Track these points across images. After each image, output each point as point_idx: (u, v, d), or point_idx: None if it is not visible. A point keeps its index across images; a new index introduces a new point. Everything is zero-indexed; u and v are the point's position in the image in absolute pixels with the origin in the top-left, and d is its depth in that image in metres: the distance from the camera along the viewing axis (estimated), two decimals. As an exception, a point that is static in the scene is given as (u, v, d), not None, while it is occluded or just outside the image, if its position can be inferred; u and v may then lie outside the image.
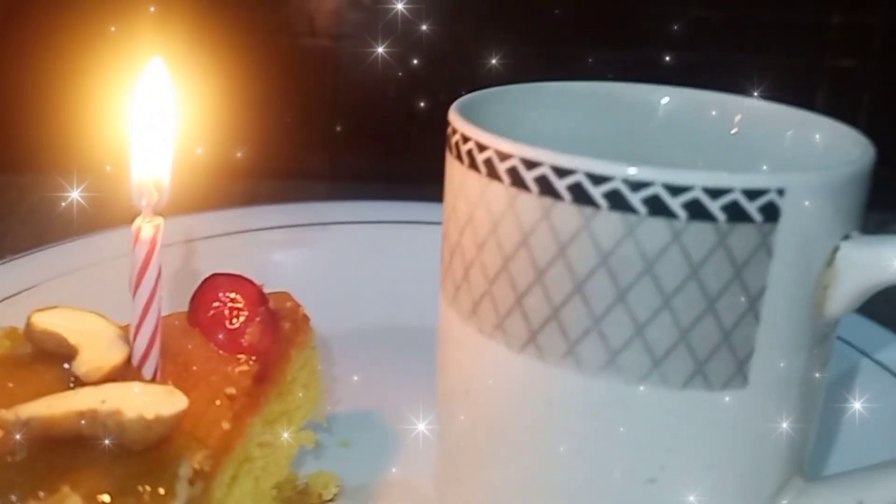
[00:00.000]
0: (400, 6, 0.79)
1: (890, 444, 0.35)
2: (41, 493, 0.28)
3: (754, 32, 0.89)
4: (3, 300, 0.46)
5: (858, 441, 0.42)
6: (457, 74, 0.79)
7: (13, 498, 0.28)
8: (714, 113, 0.42)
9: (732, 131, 0.42)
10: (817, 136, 0.38)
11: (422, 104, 0.79)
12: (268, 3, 0.82)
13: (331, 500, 0.40)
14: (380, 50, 0.78)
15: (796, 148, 0.39)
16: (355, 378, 0.47)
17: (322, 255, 0.58)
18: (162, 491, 0.28)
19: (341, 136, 0.85)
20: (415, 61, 0.84)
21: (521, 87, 0.41)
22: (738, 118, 0.41)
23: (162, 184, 0.33)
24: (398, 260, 0.57)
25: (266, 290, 0.38)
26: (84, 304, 0.36)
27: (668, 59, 0.82)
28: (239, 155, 0.75)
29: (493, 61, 0.73)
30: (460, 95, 0.38)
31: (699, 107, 0.42)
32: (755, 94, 0.43)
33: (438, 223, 0.37)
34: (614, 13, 0.86)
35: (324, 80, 0.87)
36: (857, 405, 0.44)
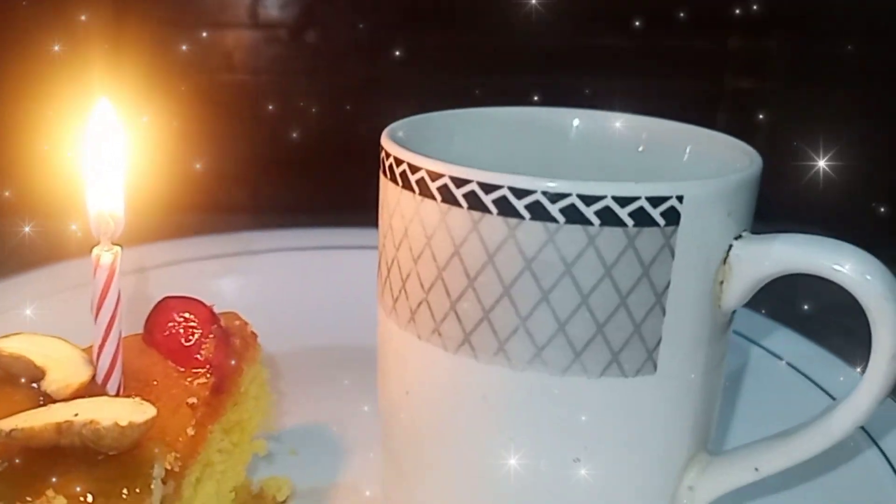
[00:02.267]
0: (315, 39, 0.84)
1: (780, 418, 0.40)
2: (28, 499, 0.31)
3: (658, 58, 0.96)
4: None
5: (753, 418, 0.48)
6: (375, 105, 0.84)
7: (0, 504, 0.31)
8: (622, 133, 0.47)
9: (639, 149, 0.47)
10: (713, 150, 0.44)
11: (343, 136, 0.83)
12: (191, 41, 0.86)
13: (284, 503, 0.44)
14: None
15: (695, 161, 0.45)
16: (300, 392, 0.51)
17: (256, 281, 0.62)
18: (139, 490, 0.32)
19: (263, 169, 0.88)
20: (333, 93, 0.89)
21: (445, 114, 0.46)
22: (643, 136, 0.47)
23: (117, 215, 0.37)
24: (328, 283, 0.61)
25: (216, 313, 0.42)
26: (44, 331, 0.39)
27: (578, 85, 0.88)
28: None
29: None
30: (379, 125, 0.42)
31: (609, 128, 0.48)
32: (660, 115, 0.49)
33: (362, 247, 0.42)
34: (529, 43, 0.92)
35: (242, 114, 0.90)
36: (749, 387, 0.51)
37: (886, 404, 0.38)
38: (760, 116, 0.99)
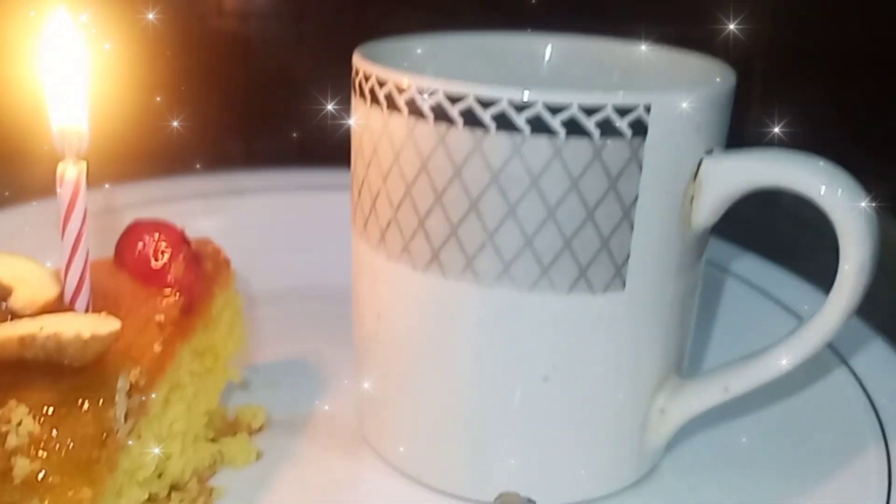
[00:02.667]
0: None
1: (754, 346, 0.40)
2: (-11, 406, 0.31)
3: (652, 2, 0.95)
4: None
5: (728, 347, 0.48)
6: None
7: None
8: (599, 58, 0.47)
9: (614, 75, 0.47)
10: (690, 70, 0.44)
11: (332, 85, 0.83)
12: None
13: (259, 430, 0.44)
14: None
15: (673, 83, 0.44)
16: (280, 327, 0.52)
17: (240, 221, 0.61)
18: (102, 401, 0.32)
19: (255, 118, 0.88)
20: (325, 40, 0.89)
21: (421, 37, 0.46)
22: (621, 61, 0.47)
23: (81, 130, 0.37)
24: (312, 223, 0.61)
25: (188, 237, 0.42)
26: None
27: (574, 28, 0.88)
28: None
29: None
30: None
31: (586, 54, 0.47)
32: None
33: (347, 188, 0.42)
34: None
35: (235, 62, 0.90)
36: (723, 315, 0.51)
37: (854, 324, 0.38)
38: (757, 61, 0.99)
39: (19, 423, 0.31)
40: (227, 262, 0.43)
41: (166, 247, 0.39)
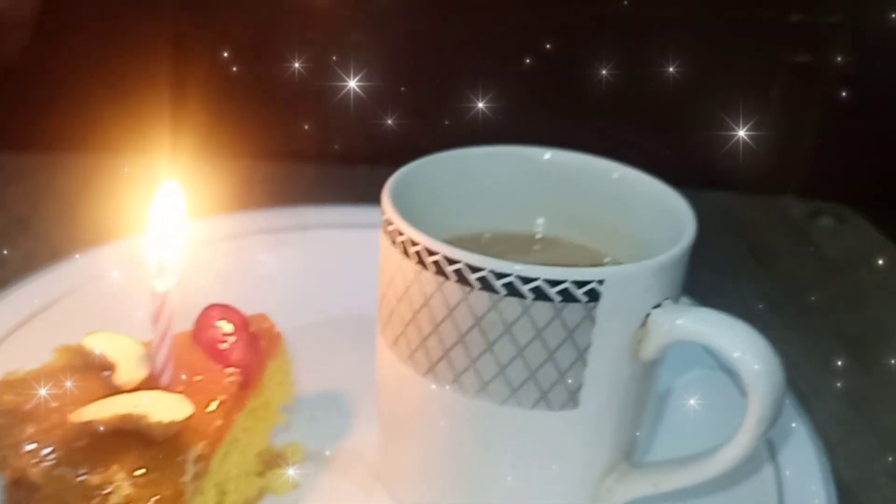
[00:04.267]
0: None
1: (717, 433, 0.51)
2: (100, 469, 0.46)
3: (719, 30, 1.03)
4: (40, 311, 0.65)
5: (694, 430, 0.60)
6: (433, 71, 0.95)
7: (81, 471, 0.46)
8: (591, 171, 0.58)
9: (600, 185, 0.58)
10: (663, 203, 0.55)
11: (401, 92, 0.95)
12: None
13: (298, 463, 0.58)
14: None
15: (645, 209, 0.56)
16: (320, 365, 0.64)
17: (298, 256, 0.75)
18: (176, 468, 0.46)
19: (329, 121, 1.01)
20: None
21: (441, 156, 0.57)
22: (615, 175, 0.58)
23: (172, 265, 0.50)
24: (361, 259, 0.73)
25: (249, 304, 0.56)
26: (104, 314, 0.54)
27: (639, 54, 0.97)
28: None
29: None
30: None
31: (580, 166, 0.59)
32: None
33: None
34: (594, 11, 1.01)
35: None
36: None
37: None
38: (815, 92, 1.06)
39: (118, 486, 0.45)
40: (278, 336, 0.57)
41: (231, 332, 0.53)
